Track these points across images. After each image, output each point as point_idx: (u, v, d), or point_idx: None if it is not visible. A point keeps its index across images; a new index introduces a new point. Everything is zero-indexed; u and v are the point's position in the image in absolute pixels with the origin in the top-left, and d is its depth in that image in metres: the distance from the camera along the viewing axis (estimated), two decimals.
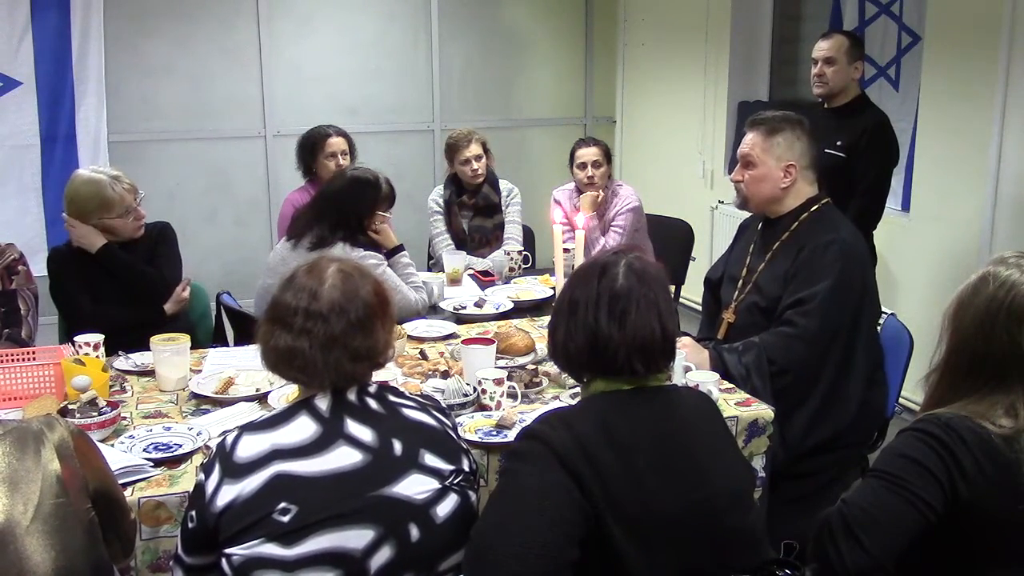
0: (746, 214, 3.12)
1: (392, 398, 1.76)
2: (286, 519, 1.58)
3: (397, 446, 1.67)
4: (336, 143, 4.08)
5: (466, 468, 1.75)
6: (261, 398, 2.45)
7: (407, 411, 1.75)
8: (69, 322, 3.18)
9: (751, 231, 2.97)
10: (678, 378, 2.41)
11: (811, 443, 2.65)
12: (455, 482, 1.70)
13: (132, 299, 3.18)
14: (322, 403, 1.69)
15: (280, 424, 1.67)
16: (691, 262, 4.58)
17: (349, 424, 1.67)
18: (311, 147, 4.11)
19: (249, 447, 1.64)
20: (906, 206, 4.40)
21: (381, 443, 1.67)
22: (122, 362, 2.74)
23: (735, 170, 2.84)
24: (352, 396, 1.71)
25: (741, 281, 2.88)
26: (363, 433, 1.67)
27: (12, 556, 1.49)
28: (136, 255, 3.21)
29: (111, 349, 2.74)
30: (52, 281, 3.17)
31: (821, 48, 3.83)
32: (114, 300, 3.16)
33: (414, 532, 1.64)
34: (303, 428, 1.66)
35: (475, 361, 2.54)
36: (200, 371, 2.65)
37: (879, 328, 2.95)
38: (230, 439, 1.67)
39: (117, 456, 2.03)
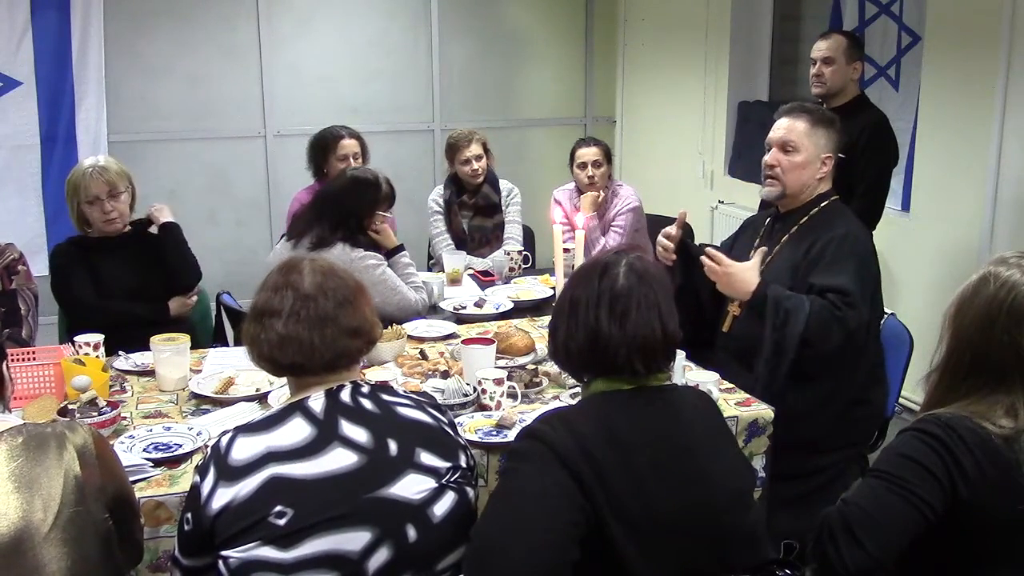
0: (743, 215, 3.11)
1: (386, 397, 1.76)
2: (282, 522, 1.58)
3: (392, 446, 1.67)
4: (349, 145, 4.00)
5: (463, 464, 1.74)
6: (261, 398, 2.45)
7: (402, 409, 1.75)
8: (71, 316, 3.21)
9: (756, 226, 2.97)
10: (678, 378, 2.42)
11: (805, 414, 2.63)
12: (452, 479, 1.70)
13: (140, 293, 3.20)
14: (316, 404, 1.69)
15: (274, 426, 1.67)
16: None
17: (343, 425, 1.67)
18: (323, 148, 4.03)
19: (244, 449, 1.64)
20: (906, 206, 4.40)
21: (376, 443, 1.66)
22: (122, 362, 2.74)
23: (770, 154, 2.78)
24: (346, 396, 1.71)
25: None
26: (358, 434, 1.67)
27: (28, 564, 1.48)
28: (128, 250, 3.24)
29: (112, 345, 2.74)
30: (55, 276, 3.18)
31: (819, 48, 3.83)
32: (121, 294, 3.17)
33: (411, 532, 1.63)
34: (297, 430, 1.66)
35: (475, 361, 2.54)
36: (200, 371, 2.65)
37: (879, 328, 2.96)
38: (224, 441, 1.66)
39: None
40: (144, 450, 2.12)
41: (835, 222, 2.72)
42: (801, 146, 2.73)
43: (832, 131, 2.78)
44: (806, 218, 2.76)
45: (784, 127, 2.77)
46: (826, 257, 2.64)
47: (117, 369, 2.69)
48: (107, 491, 1.62)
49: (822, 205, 2.77)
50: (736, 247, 3.01)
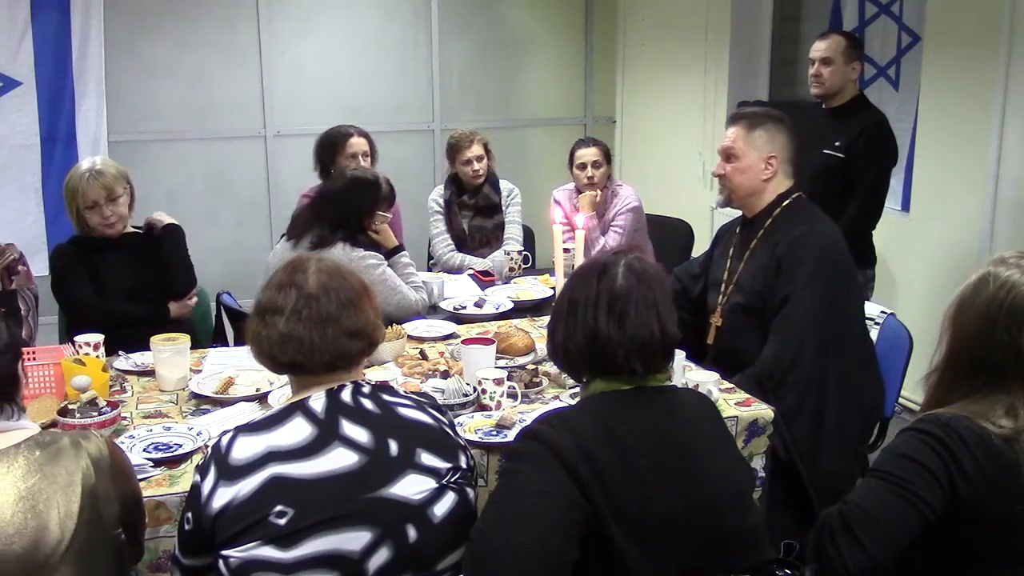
0: (724, 220, 3.13)
1: (387, 397, 1.76)
2: (282, 522, 1.58)
3: (393, 446, 1.67)
4: (358, 143, 3.94)
5: (463, 465, 1.74)
6: (261, 398, 2.45)
7: (402, 410, 1.75)
8: (71, 316, 3.20)
9: (729, 236, 2.99)
10: (678, 378, 2.41)
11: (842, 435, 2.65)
12: (452, 480, 1.70)
13: (140, 294, 3.20)
14: (317, 404, 1.69)
15: (275, 426, 1.67)
16: None
17: (344, 425, 1.67)
18: (331, 147, 3.96)
19: (245, 449, 1.64)
20: (906, 206, 4.40)
21: (377, 444, 1.67)
22: (122, 362, 2.74)
23: (716, 164, 2.87)
24: (347, 396, 1.72)
25: (723, 284, 2.90)
26: (358, 434, 1.67)
27: None
28: (128, 250, 3.23)
29: (112, 346, 2.74)
30: (55, 276, 3.17)
31: (818, 48, 3.83)
32: (121, 295, 3.18)
33: (411, 532, 1.63)
34: (298, 430, 1.66)
35: (475, 361, 2.54)
36: (200, 371, 2.65)
37: (878, 327, 2.95)
38: (225, 440, 1.67)
39: None
40: (144, 450, 2.12)
41: (796, 221, 2.74)
42: (740, 152, 2.79)
43: (775, 129, 2.79)
44: (770, 220, 2.79)
45: (728, 136, 2.84)
46: (784, 266, 2.67)
47: (117, 369, 2.69)
48: (120, 500, 1.62)
49: (784, 204, 2.79)
50: (714, 261, 3.03)
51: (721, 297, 2.89)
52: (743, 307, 2.80)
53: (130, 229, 3.27)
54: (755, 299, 2.75)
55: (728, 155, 2.82)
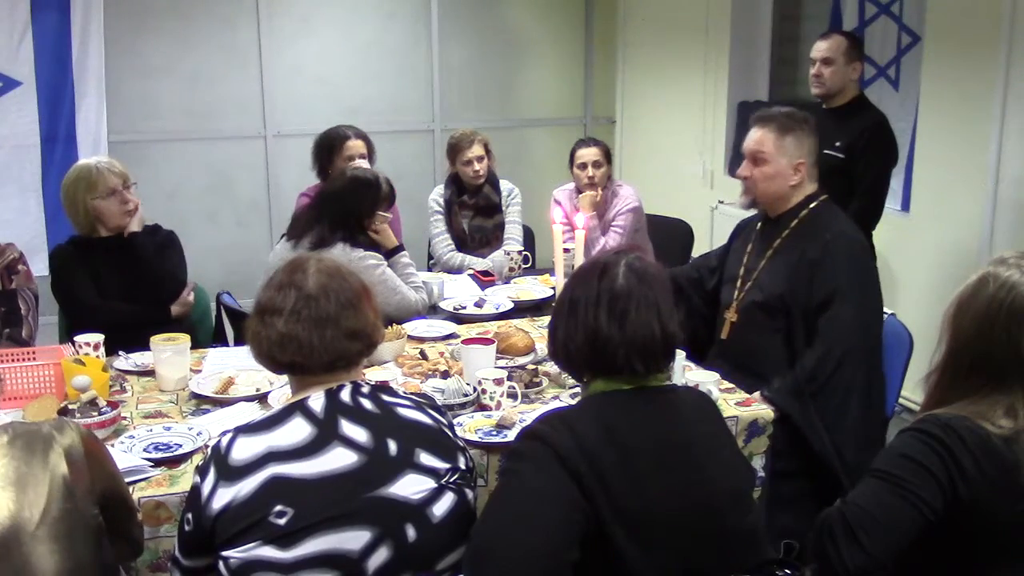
0: (743, 215, 3.11)
1: (386, 397, 1.76)
2: (282, 522, 1.58)
3: (392, 446, 1.67)
4: (355, 146, 3.92)
5: (462, 466, 1.75)
6: (261, 398, 2.45)
7: (402, 410, 1.75)
8: (72, 317, 3.19)
9: (748, 231, 2.97)
10: (678, 378, 2.42)
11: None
12: (451, 481, 1.70)
13: (136, 296, 3.19)
14: (316, 404, 1.69)
15: (275, 426, 1.67)
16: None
17: (344, 425, 1.67)
18: (328, 148, 3.95)
19: (244, 449, 1.64)
20: (906, 206, 4.40)
21: (376, 443, 1.67)
22: (122, 362, 2.74)
23: (742, 166, 2.82)
24: (346, 396, 1.72)
25: (740, 280, 2.88)
26: (358, 434, 1.67)
27: (17, 561, 1.48)
28: (128, 251, 3.22)
29: (113, 346, 2.74)
30: (56, 277, 3.17)
31: (819, 48, 3.83)
32: (118, 296, 3.17)
33: (411, 532, 1.64)
34: (298, 430, 1.66)
35: (475, 361, 2.54)
36: (200, 371, 2.65)
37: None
38: (225, 441, 1.67)
39: (117, 456, 2.03)
40: (144, 450, 2.12)
41: (824, 224, 2.73)
42: (771, 157, 2.74)
43: (803, 134, 2.76)
44: (796, 221, 2.77)
45: (754, 139, 2.78)
46: (820, 268, 2.66)
47: (117, 369, 2.69)
48: (96, 490, 1.62)
49: (810, 207, 2.78)
50: (731, 256, 3.02)
51: (737, 293, 2.88)
52: (760, 305, 2.78)
53: (132, 228, 3.26)
54: (776, 300, 2.74)
55: (756, 158, 2.77)
